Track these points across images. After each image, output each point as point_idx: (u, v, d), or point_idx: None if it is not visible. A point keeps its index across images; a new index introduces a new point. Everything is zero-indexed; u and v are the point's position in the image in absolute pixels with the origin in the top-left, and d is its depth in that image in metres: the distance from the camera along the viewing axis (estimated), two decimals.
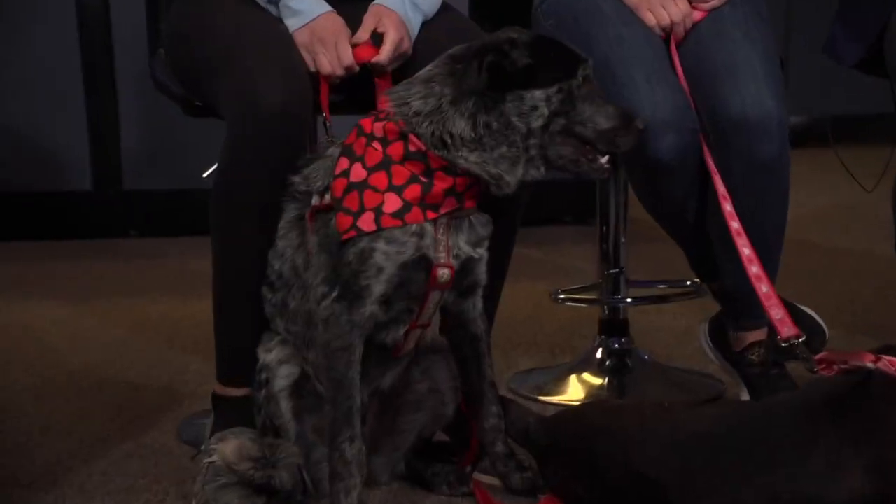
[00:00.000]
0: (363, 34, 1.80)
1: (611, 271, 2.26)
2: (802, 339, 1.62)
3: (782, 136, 1.86)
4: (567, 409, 1.87)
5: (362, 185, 1.58)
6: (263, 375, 1.72)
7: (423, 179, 1.57)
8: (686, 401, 2.08)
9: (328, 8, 1.83)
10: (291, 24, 1.82)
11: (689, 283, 2.30)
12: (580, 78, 1.58)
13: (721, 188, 1.81)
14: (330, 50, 1.78)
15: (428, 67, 1.62)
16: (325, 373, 1.63)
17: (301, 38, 1.80)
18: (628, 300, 2.28)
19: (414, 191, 1.57)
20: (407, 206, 1.57)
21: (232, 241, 1.74)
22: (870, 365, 1.44)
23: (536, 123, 1.56)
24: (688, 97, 1.90)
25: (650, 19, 1.93)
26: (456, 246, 1.61)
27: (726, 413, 1.61)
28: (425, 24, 1.88)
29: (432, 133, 1.56)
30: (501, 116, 1.56)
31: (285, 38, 1.81)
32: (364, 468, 1.62)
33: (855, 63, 2.03)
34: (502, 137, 1.56)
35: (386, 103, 1.61)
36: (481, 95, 1.55)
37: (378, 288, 1.58)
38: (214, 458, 1.71)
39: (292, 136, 1.69)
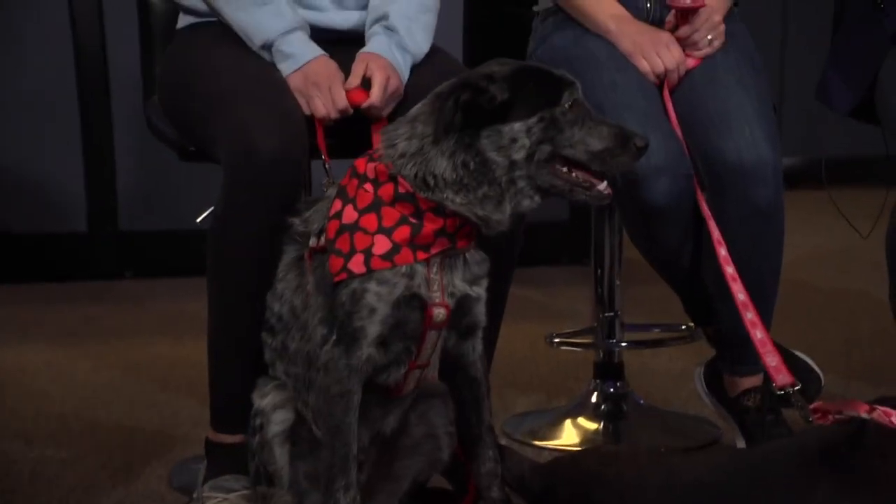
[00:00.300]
0: (354, 80, 1.82)
1: (606, 315, 2.26)
2: (798, 387, 1.62)
3: (777, 182, 1.87)
4: (563, 456, 1.86)
5: (353, 227, 1.58)
6: (258, 421, 1.71)
7: (413, 221, 1.57)
8: (682, 448, 2.08)
9: (321, 52, 1.85)
10: (284, 68, 1.83)
11: (684, 326, 2.30)
12: (565, 104, 1.56)
13: (716, 233, 1.81)
14: (324, 93, 1.79)
15: (417, 106, 1.62)
16: (324, 418, 1.62)
17: (295, 83, 1.81)
18: (623, 344, 2.27)
19: (403, 232, 1.57)
20: (396, 248, 1.56)
21: (228, 287, 1.74)
22: (864, 415, 1.43)
23: (518, 155, 1.54)
24: (682, 143, 1.90)
25: (644, 66, 1.94)
26: (451, 284, 1.61)
27: (722, 461, 1.60)
28: (415, 68, 1.90)
29: (415, 175, 1.56)
30: (478, 155, 1.55)
31: (279, 83, 1.82)
32: None
33: (848, 111, 2.04)
34: (481, 176, 1.55)
35: (378, 143, 1.62)
36: (459, 134, 1.55)
37: (373, 329, 1.58)
38: None
39: (289, 180, 1.70)
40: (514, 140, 1.54)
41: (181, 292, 3.31)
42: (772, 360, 1.62)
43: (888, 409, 1.41)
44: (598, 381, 2.27)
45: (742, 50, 1.99)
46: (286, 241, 1.69)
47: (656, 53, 1.93)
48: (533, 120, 1.54)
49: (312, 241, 1.64)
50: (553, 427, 2.24)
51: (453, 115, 1.53)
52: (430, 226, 1.57)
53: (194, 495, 1.76)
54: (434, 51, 1.95)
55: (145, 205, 3.58)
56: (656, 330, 2.42)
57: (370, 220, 1.57)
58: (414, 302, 1.59)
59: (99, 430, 2.27)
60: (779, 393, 1.62)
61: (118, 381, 2.58)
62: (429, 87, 1.75)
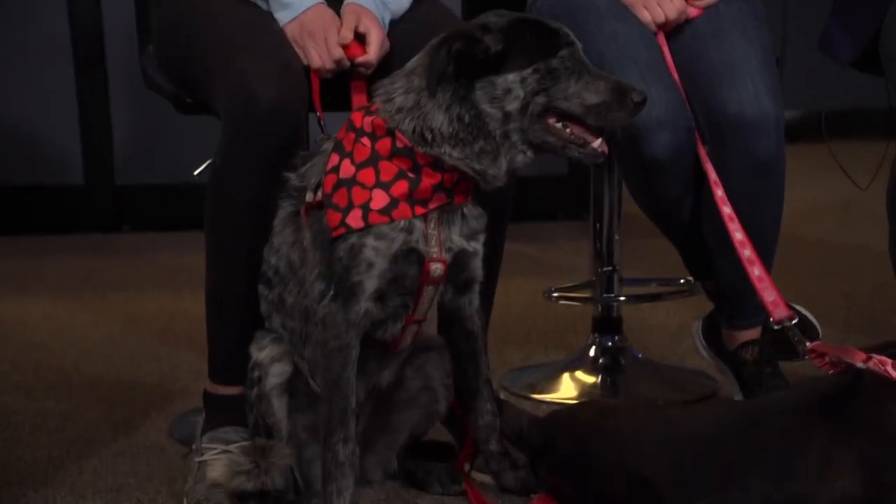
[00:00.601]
0: (347, 33, 1.79)
1: (604, 269, 2.26)
2: (795, 320, 1.61)
3: (779, 135, 1.85)
4: (561, 409, 1.86)
5: (351, 182, 1.57)
6: (256, 373, 1.71)
7: (411, 175, 1.56)
8: (679, 401, 2.09)
9: (318, 0, 1.82)
10: (281, 17, 1.81)
11: (682, 280, 2.30)
12: (562, 56, 1.54)
13: (713, 175, 1.80)
14: (319, 43, 1.77)
15: (414, 58, 1.60)
16: (322, 372, 1.62)
17: (291, 32, 1.79)
18: (621, 299, 2.27)
19: (401, 187, 1.56)
20: (394, 203, 1.56)
21: (226, 238, 1.73)
22: (860, 364, 1.44)
23: (512, 106, 1.52)
24: (682, 95, 1.89)
25: (645, 16, 1.92)
26: (448, 239, 1.60)
27: (719, 413, 1.61)
28: (404, 17, 1.87)
29: (413, 129, 1.55)
30: (472, 107, 1.53)
31: (278, 32, 1.79)
32: (357, 469, 1.62)
33: (851, 61, 2.02)
34: (476, 130, 1.53)
35: (375, 97, 1.60)
36: (454, 86, 1.53)
37: (370, 284, 1.58)
38: (205, 457, 1.70)
39: (288, 131, 1.68)
40: (507, 91, 1.52)
41: (179, 246, 3.31)
42: (769, 295, 1.62)
43: (884, 358, 1.42)
44: (596, 335, 2.28)
45: (747, 1, 1.97)
46: (282, 196, 1.68)
47: (658, 3, 1.91)
48: (528, 71, 1.52)
49: (309, 196, 1.63)
50: (551, 381, 2.25)
51: (446, 65, 1.51)
52: (427, 180, 1.56)
53: (193, 447, 1.76)
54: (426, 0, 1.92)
55: (142, 158, 3.56)
56: (654, 284, 2.41)
57: (368, 175, 1.56)
58: (412, 256, 1.58)
59: (99, 383, 2.28)
60: (775, 327, 1.61)
61: (118, 335, 2.59)
62: (416, 35, 1.73)
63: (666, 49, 1.92)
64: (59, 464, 1.89)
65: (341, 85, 1.82)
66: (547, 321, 2.66)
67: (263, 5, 1.83)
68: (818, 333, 1.98)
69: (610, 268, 2.26)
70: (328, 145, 1.64)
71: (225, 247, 1.74)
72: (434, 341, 1.76)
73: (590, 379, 2.24)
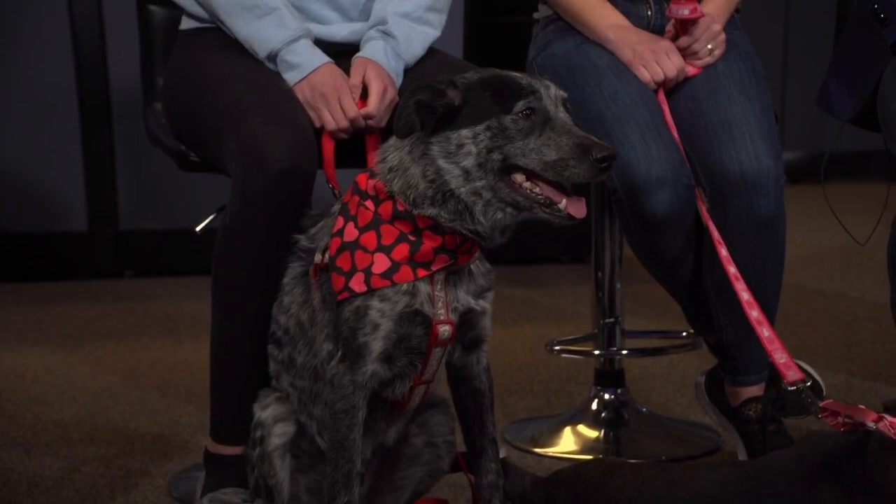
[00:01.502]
0: (356, 89, 1.79)
1: (606, 321, 2.25)
2: (809, 383, 1.61)
3: (779, 193, 1.85)
4: (564, 469, 1.84)
5: (354, 245, 1.57)
6: (258, 433, 1.70)
7: (412, 238, 1.55)
8: (683, 456, 2.07)
9: (327, 59, 1.82)
10: (290, 77, 1.81)
11: (685, 333, 2.28)
12: (518, 112, 1.50)
13: (715, 234, 1.81)
14: (333, 104, 1.77)
15: None
16: (329, 433, 1.61)
17: (302, 93, 1.79)
18: (623, 352, 2.26)
19: (402, 251, 1.55)
20: (395, 266, 1.55)
21: (234, 298, 1.73)
22: (871, 425, 1.43)
23: (467, 162, 1.50)
24: (682, 153, 1.89)
25: (645, 75, 1.93)
26: (455, 300, 1.59)
27: (724, 473, 1.59)
28: (415, 67, 1.87)
29: (401, 190, 1.55)
30: (432, 163, 1.52)
31: (288, 93, 1.80)
32: None
33: (850, 118, 2.02)
34: (443, 188, 1.52)
35: (376, 158, 1.60)
36: (417, 140, 1.52)
37: (377, 345, 1.57)
38: None
39: (299, 194, 1.68)
40: (460, 146, 1.51)
41: (180, 292, 3.31)
42: (780, 356, 1.61)
43: (895, 420, 1.40)
44: (598, 387, 2.27)
45: (744, 58, 1.98)
46: (292, 257, 1.68)
47: (656, 62, 1.92)
48: (480, 127, 1.51)
49: (317, 258, 1.63)
50: (553, 434, 2.24)
51: (410, 113, 1.50)
52: (429, 243, 1.55)
53: None
54: (433, 51, 1.93)
55: (145, 204, 3.57)
56: (657, 336, 2.40)
57: (370, 239, 1.56)
58: (417, 318, 1.58)
59: (98, 438, 2.26)
60: (789, 388, 1.60)
61: (117, 387, 2.58)
62: None
63: (666, 107, 1.93)
64: None
65: (358, 142, 1.82)
66: (550, 371, 2.65)
67: (272, 67, 1.84)
68: (822, 390, 1.98)
69: (612, 319, 2.25)
70: (336, 207, 1.65)
71: (232, 307, 1.74)
72: (437, 398, 1.75)
73: (592, 433, 2.22)
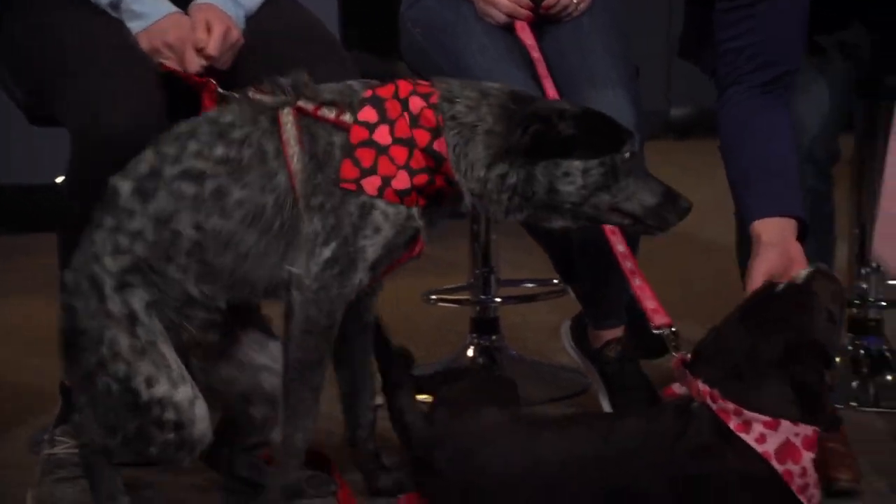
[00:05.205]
0: (202, 34, 1.75)
1: (481, 270, 2.33)
2: (674, 328, 1.70)
3: (640, 146, 1.93)
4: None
5: (382, 150, 1.56)
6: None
7: (430, 174, 1.57)
8: (555, 397, 2.16)
9: (174, 8, 1.78)
10: (134, 27, 1.77)
11: (556, 281, 2.37)
12: (625, 153, 1.57)
13: None
14: (178, 55, 1.74)
15: (492, 84, 1.62)
16: (301, 352, 1.58)
17: (145, 43, 1.76)
18: (497, 300, 2.34)
19: (421, 179, 1.58)
20: (409, 191, 1.57)
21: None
22: (696, 401, 1.49)
23: (565, 188, 1.56)
24: None
25: (496, 15, 1.96)
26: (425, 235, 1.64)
27: (573, 437, 1.61)
28: (262, 16, 1.85)
29: (454, 146, 1.57)
30: (527, 177, 1.56)
31: (129, 46, 1.75)
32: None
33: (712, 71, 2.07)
34: (509, 191, 1.56)
35: (434, 85, 1.59)
36: (516, 154, 1.56)
37: (372, 252, 1.57)
38: (55, 449, 1.68)
39: (136, 152, 1.63)
40: (566, 174, 1.56)
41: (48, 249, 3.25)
42: (650, 303, 1.70)
43: (716, 394, 1.47)
44: (474, 335, 2.34)
45: (607, 11, 2.04)
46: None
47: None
48: (594, 162, 1.56)
49: (308, 106, 1.57)
50: (430, 381, 2.30)
51: (520, 138, 1.55)
52: (440, 183, 1.59)
53: (45, 436, 1.73)
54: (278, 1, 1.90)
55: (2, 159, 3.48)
56: (530, 285, 2.49)
57: (401, 153, 1.56)
58: (409, 233, 1.60)
59: None
60: (655, 332, 1.69)
61: None
62: (273, 34, 1.75)
63: (537, 54, 1.94)
64: None
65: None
66: (430, 321, 2.71)
67: (115, 14, 1.78)
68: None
69: (487, 269, 2.33)
70: (360, 87, 1.60)
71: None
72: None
73: None
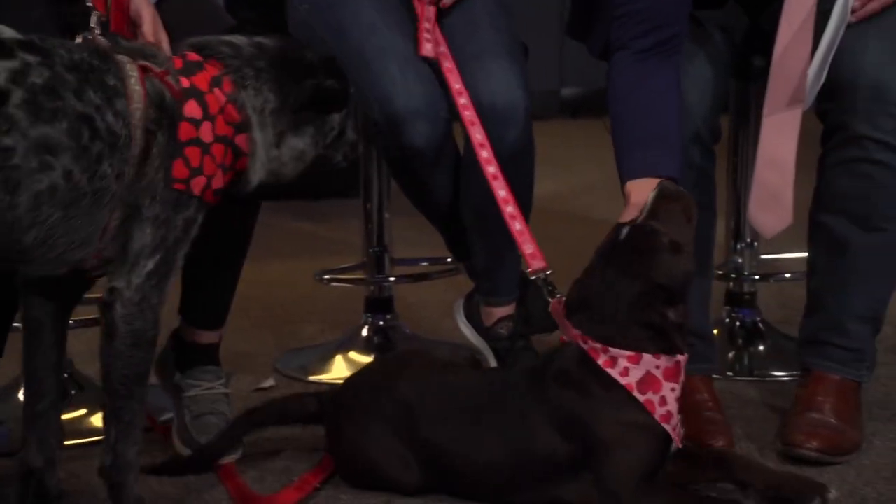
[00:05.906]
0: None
1: (374, 250, 2.33)
2: (550, 272, 1.74)
3: (527, 123, 1.96)
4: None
5: (206, 148, 1.54)
6: None
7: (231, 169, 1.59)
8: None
9: None
10: None
11: (449, 259, 2.39)
12: None
13: (478, 136, 1.86)
14: None
15: (262, 42, 1.62)
16: (125, 367, 1.52)
17: None
18: (391, 279, 2.35)
19: (227, 178, 1.59)
20: (220, 191, 1.58)
21: None
22: (571, 345, 1.63)
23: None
24: (438, 86, 1.96)
25: None
26: None
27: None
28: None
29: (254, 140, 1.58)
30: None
31: None
32: None
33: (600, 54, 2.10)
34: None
35: (224, 71, 1.57)
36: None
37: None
38: None
39: None
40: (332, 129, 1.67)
41: None
42: (528, 247, 1.75)
43: (586, 336, 1.60)
44: (368, 314, 2.35)
45: None
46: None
47: None
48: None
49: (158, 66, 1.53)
50: (324, 361, 2.30)
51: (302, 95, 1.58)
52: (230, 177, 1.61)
53: None
54: None
55: None
56: (424, 264, 2.50)
57: (219, 151, 1.56)
58: None
59: None
60: (532, 277, 1.74)
61: None
62: (187, 12, 1.74)
63: (423, 30, 1.94)
64: None
65: None
66: (326, 302, 2.71)
67: None
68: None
69: (380, 248, 2.33)
70: (171, 66, 1.54)
71: None
72: None
73: (363, 359, 2.30)
